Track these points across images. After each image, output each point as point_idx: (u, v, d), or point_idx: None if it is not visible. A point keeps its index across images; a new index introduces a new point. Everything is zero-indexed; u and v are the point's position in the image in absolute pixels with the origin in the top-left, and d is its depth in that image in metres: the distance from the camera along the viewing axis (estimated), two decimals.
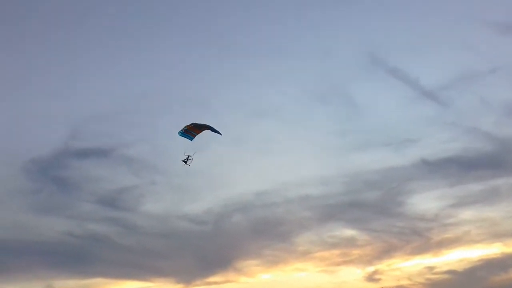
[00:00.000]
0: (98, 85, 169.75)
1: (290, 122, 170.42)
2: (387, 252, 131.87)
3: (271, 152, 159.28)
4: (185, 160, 36.59)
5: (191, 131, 35.92)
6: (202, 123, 35.99)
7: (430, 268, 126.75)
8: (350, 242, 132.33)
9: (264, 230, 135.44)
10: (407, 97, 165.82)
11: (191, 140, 36.02)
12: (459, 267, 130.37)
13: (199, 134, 36.11)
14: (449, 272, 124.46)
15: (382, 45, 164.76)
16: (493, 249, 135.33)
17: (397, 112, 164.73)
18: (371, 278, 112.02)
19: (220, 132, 36.12)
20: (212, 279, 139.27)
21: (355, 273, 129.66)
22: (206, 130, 35.72)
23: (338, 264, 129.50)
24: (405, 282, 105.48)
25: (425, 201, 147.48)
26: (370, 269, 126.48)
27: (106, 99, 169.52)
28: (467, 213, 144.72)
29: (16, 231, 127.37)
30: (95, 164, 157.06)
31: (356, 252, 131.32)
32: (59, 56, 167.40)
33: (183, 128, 35.75)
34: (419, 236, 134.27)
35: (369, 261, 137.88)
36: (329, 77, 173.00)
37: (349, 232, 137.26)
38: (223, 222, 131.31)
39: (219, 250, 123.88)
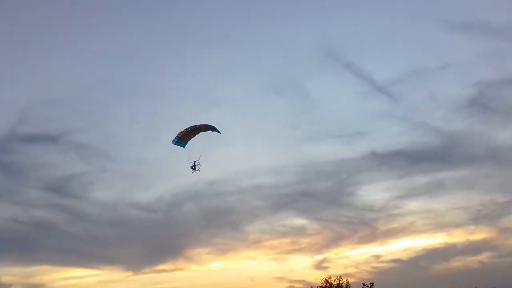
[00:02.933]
0: (50, 70, 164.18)
1: (245, 112, 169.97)
2: (335, 241, 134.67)
3: (225, 141, 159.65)
4: (193, 167, 35.82)
5: (185, 137, 35.28)
6: (199, 124, 35.39)
7: (376, 257, 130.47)
8: (300, 231, 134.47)
9: (215, 218, 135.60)
10: (360, 91, 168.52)
11: (184, 147, 35.42)
12: (404, 256, 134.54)
13: (192, 139, 35.54)
14: (394, 260, 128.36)
15: (337, 39, 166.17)
16: (436, 239, 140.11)
17: (350, 105, 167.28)
18: (319, 266, 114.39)
19: (219, 130, 35.60)
20: (162, 267, 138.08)
21: (304, 261, 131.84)
22: (200, 133, 35.17)
23: (288, 252, 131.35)
24: (352, 270, 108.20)
25: (374, 192, 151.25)
26: (319, 257, 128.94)
27: (58, 85, 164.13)
28: (413, 204, 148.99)
29: None
30: (43, 149, 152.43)
31: (305, 240, 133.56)
32: (8, 39, 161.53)
33: (176, 136, 35.25)
34: (366, 226, 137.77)
35: (318, 249, 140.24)
36: (285, 69, 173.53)
37: (299, 221, 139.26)
38: (174, 211, 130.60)
39: (169, 238, 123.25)
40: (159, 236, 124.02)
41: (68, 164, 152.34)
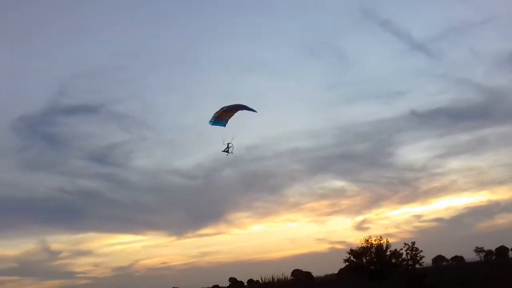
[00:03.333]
0: (86, 42, 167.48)
1: (280, 76, 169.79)
2: (375, 202, 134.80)
3: (261, 106, 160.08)
4: (226, 150, 34.56)
5: (223, 116, 33.88)
6: (232, 104, 33.98)
7: (418, 217, 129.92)
8: (340, 193, 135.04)
9: (254, 183, 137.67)
10: (398, 49, 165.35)
11: (225, 126, 34.06)
12: (446, 215, 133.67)
13: (231, 118, 34.16)
14: (436, 220, 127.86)
15: None
16: (479, 197, 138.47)
17: (387, 64, 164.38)
18: (359, 227, 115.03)
19: (255, 109, 34.11)
20: (203, 231, 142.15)
21: (344, 223, 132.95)
22: (240, 111, 33.87)
23: (328, 214, 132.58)
24: (393, 230, 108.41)
25: (414, 152, 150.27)
26: (359, 218, 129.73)
27: (94, 56, 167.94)
28: (454, 163, 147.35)
29: (7, 189, 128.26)
30: (84, 120, 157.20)
31: (345, 202, 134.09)
32: (46, 13, 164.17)
33: (213, 116, 33.79)
34: (407, 186, 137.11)
35: (358, 211, 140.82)
36: (319, 30, 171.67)
37: (338, 183, 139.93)
38: (214, 176, 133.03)
39: (210, 203, 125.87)
40: (200, 202, 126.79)
41: (109, 134, 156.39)
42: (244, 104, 33.75)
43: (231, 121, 33.96)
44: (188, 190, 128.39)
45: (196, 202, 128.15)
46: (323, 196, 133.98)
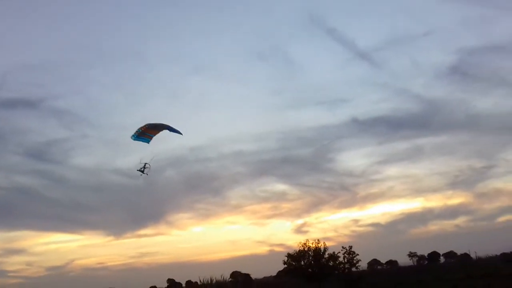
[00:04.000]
0: (30, 34, 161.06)
1: (227, 78, 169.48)
2: (315, 206, 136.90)
3: (206, 107, 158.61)
4: (142, 170, 32.45)
5: (147, 132, 31.61)
6: (158, 122, 31.89)
7: (355, 221, 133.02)
8: (281, 196, 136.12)
9: (197, 184, 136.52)
10: (343, 57, 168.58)
11: (148, 143, 31.68)
12: (382, 220, 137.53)
13: (157, 135, 31.84)
14: (372, 225, 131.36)
15: (321, 4, 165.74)
16: (414, 204, 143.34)
17: (332, 72, 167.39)
18: (299, 230, 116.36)
19: (180, 131, 31.98)
20: (143, 231, 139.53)
21: (284, 226, 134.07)
22: (164, 131, 31.72)
23: (269, 217, 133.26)
24: (331, 234, 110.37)
25: (354, 158, 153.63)
26: (299, 221, 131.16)
27: (36, 48, 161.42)
28: (392, 170, 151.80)
29: None
30: (23, 115, 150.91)
31: (286, 205, 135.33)
32: None
33: (136, 131, 31.42)
34: (346, 191, 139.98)
35: (298, 214, 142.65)
36: (268, 35, 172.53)
37: (280, 186, 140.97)
38: (156, 176, 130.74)
39: (151, 203, 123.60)
40: (141, 202, 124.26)
41: (48, 130, 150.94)
42: (169, 124, 31.96)
43: (155, 140, 32.00)
44: (128, 190, 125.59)
45: (136, 202, 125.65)
46: (265, 199, 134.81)
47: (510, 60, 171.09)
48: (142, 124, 31.59)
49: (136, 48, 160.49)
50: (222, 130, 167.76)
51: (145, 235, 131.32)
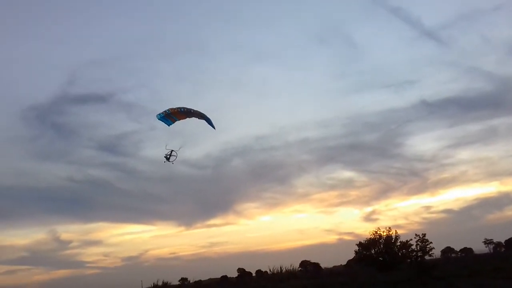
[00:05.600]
0: (95, 30, 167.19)
1: (289, 65, 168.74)
2: (384, 192, 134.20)
3: (269, 95, 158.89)
4: (168, 156, 31.07)
5: (174, 116, 30.70)
6: (195, 109, 30.75)
7: (427, 208, 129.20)
8: (349, 184, 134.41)
9: (263, 173, 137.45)
10: (408, 37, 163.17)
11: (169, 126, 30.73)
12: (455, 206, 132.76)
13: (182, 120, 30.87)
14: (445, 211, 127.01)
15: None
16: (489, 188, 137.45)
17: (397, 52, 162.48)
18: (368, 218, 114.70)
19: (214, 126, 30.97)
20: (212, 221, 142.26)
21: (352, 214, 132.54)
22: (193, 119, 30.86)
23: (337, 205, 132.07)
24: (402, 221, 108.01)
25: (424, 142, 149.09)
26: (368, 209, 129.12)
27: (103, 44, 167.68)
28: (464, 153, 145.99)
29: (17, 178, 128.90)
30: (94, 109, 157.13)
31: (354, 193, 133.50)
32: (55, 1, 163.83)
33: (164, 111, 30.53)
34: (416, 177, 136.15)
35: (366, 201, 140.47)
36: (328, 18, 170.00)
37: (347, 173, 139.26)
38: (223, 166, 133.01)
39: (219, 193, 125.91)
40: (209, 192, 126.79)
41: (118, 123, 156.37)
42: (207, 116, 31.10)
43: (187, 129, 31.30)
44: (197, 180, 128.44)
45: (205, 193, 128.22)
46: (332, 187, 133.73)
47: None
48: (175, 107, 30.72)
49: (197, 38, 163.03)
50: (286, 117, 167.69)
51: (214, 225, 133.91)
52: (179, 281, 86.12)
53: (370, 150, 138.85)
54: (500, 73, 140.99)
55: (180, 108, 30.85)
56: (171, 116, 31.03)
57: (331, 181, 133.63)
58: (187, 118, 31.30)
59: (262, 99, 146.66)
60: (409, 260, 55.17)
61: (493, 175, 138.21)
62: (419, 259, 54.41)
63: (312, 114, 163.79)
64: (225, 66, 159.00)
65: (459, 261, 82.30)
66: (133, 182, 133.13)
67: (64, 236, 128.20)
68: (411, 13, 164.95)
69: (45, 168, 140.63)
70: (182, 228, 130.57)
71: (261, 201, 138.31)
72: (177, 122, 31.40)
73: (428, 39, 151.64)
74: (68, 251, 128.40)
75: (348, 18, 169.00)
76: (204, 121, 31.59)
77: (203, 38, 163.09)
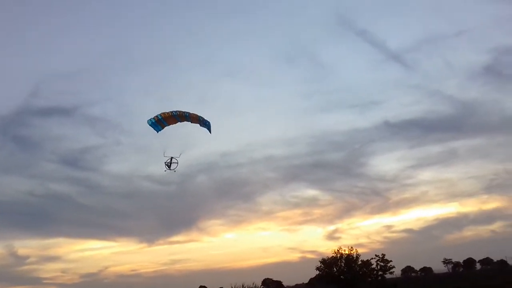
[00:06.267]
0: (61, 42, 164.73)
1: (256, 82, 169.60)
2: (347, 211, 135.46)
3: (237, 112, 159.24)
4: (168, 164, 29.78)
5: (165, 121, 29.46)
6: (191, 112, 29.50)
7: (388, 227, 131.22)
8: (312, 202, 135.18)
9: (228, 190, 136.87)
10: (374, 59, 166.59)
11: (157, 132, 29.46)
12: (415, 226, 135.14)
13: (172, 125, 29.57)
14: (406, 231, 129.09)
15: (350, 6, 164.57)
16: (449, 209, 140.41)
17: (363, 74, 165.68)
18: (331, 236, 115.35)
19: (210, 131, 29.76)
20: (175, 238, 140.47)
21: (316, 232, 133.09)
22: (185, 123, 29.53)
23: (300, 223, 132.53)
24: (364, 240, 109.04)
25: (386, 162, 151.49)
26: (331, 228, 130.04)
27: (69, 57, 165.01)
28: (425, 174, 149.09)
29: None
30: (58, 122, 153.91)
31: (317, 211, 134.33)
32: (21, 13, 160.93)
33: (155, 116, 29.30)
34: (379, 196, 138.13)
35: (330, 220, 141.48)
36: (296, 38, 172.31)
37: (311, 192, 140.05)
38: (187, 182, 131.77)
39: (183, 210, 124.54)
40: (173, 208, 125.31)
41: (82, 137, 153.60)
42: (205, 119, 29.91)
43: (181, 134, 30.11)
44: (160, 196, 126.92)
45: (168, 209, 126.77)
46: (296, 205, 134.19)
47: None
48: (168, 110, 29.62)
49: (166, 52, 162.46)
50: (253, 135, 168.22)
51: (177, 242, 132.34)
52: None
53: (334, 169, 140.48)
54: (461, 97, 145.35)
55: (172, 112, 29.66)
56: (161, 122, 29.91)
57: (295, 199, 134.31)
58: (178, 123, 30.09)
59: (229, 116, 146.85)
60: (369, 279, 55.58)
61: (453, 196, 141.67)
62: (379, 278, 54.89)
63: (278, 132, 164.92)
64: (193, 81, 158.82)
65: (419, 280, 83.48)
66: (95, 197, 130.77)
67: (21, 251, 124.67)
68: (377, 36, 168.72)
69: (5, 181, 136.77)
70: (143, 244, 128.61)
71: (225, 218, 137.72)
72: (167, 127, 30.24)
73: (394, 62, 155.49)
74: (25, 267, 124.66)
75: (316, 38, 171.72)
76: (197, 125, 30.25)
77: (171, 52, 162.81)
